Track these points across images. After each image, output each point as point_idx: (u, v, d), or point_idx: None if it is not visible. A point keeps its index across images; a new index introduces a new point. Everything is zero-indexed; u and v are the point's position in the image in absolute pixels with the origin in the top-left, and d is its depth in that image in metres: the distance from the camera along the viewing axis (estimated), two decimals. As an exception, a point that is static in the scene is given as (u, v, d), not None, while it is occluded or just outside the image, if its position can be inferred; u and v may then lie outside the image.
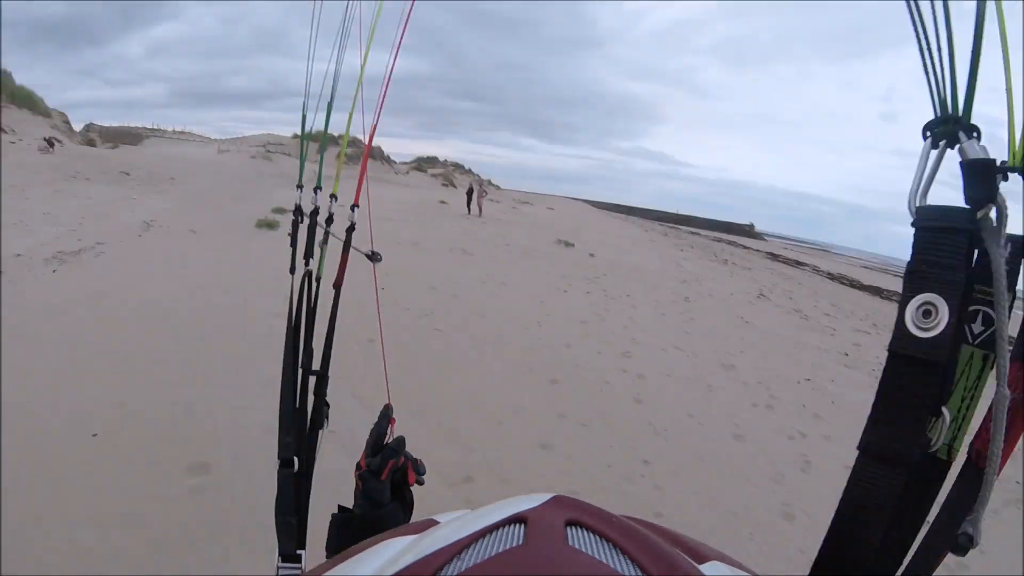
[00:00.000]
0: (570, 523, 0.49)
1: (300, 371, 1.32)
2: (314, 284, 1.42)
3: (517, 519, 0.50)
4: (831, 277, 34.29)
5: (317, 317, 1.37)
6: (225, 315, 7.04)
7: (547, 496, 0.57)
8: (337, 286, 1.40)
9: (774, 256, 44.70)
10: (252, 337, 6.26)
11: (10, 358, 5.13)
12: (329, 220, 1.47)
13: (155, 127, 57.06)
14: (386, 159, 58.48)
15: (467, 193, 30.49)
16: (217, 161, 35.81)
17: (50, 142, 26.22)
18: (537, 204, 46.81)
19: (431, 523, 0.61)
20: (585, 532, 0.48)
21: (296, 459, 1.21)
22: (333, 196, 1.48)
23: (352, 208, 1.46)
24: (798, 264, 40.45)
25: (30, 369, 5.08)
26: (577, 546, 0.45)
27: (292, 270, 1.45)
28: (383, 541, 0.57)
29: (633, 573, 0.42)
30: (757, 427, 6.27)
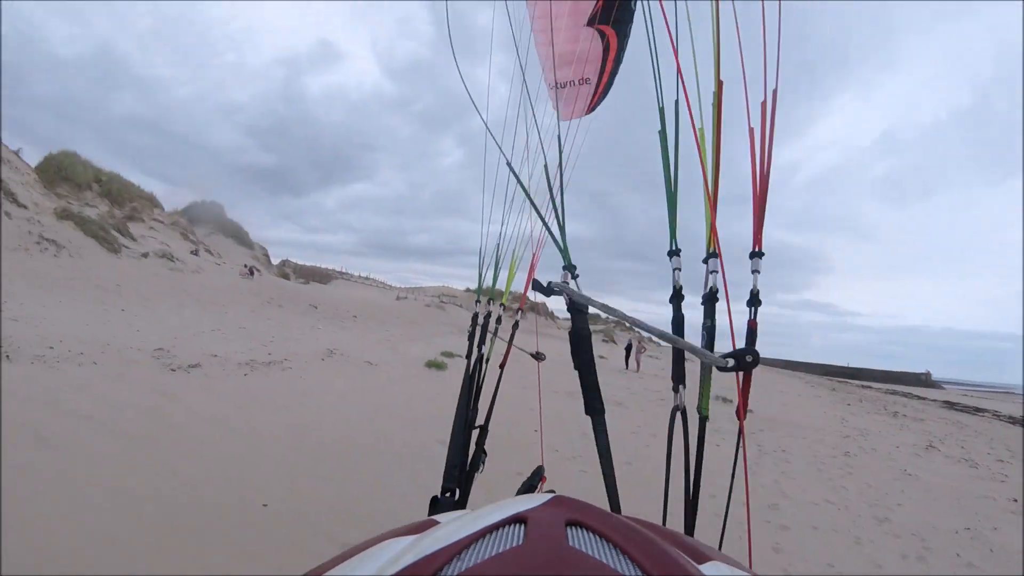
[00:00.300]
0: (570, 523, 0.52)
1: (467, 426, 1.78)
2: (483, 364, 1.96)
3: (517, 519, 0.53)
4: (1012, 421, 30.45)
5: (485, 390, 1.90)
6: (389, 434, 7.77)
7: (547, 496, 0.62)
8: (501, 366, 2.04)
9: (950, 405, 40.20)
10: (408, 457, 6.88)
11: (202, 435, 6.17)
12: (499, 321, 2.12)
13: (343, 270, 63.25)
14: (549, 315, 60.25)
15: (626, 349, 30.80)
16: (396, 306, 38.86)
17: (251, 270, 29.90)
18: (698, 361, 45.26)
19: (431, 523, 0.65)
20: (585, 532, 0.51)
21: (456, 491, 1.65)
22: (502, 305, 2.19)
23: (518, 311, 2.10)
24: (976, 411, 36.11)
25: (217, 444, 6.04)
26: (577, 546, 0.47)
27: (469, 355, 1.98)
28: (384, 541, 0.59)
29: (634, 573, 0.44)
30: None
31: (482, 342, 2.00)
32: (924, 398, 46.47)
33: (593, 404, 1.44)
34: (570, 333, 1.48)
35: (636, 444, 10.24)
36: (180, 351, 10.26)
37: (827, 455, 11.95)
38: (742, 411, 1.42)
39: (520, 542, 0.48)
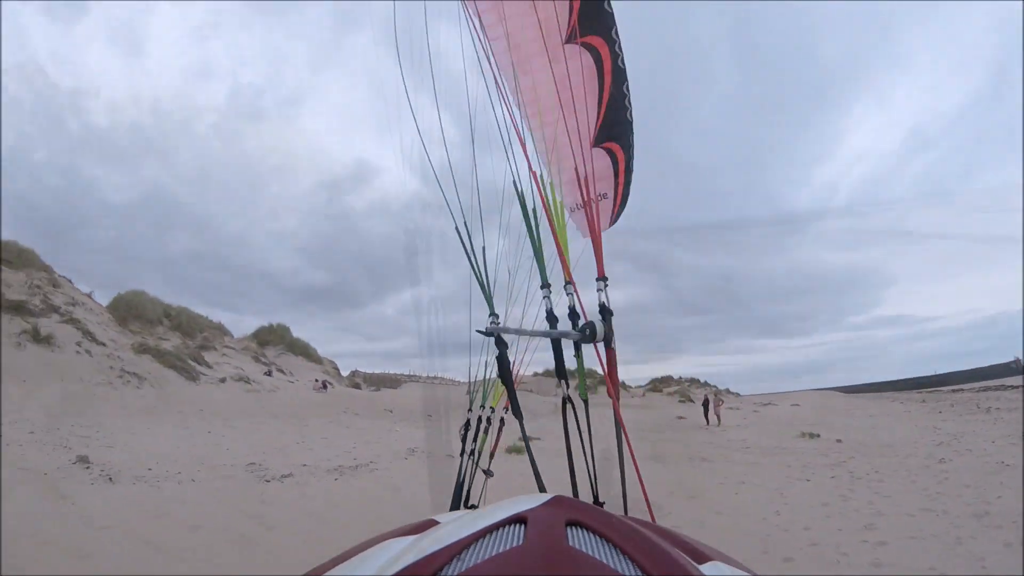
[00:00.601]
0: (570, 523, 0.52)
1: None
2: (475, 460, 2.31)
3: (517, 519, 0.53)
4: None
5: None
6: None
7: (547, 496, 0.61)
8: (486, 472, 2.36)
9: (1044, 386, 37.64)
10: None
11: (304, 532, 6.69)
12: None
13: (411, 373, 63.62)
14: (621, 384, 59.20)
15: (703, 405, 30.03)
16: (467, 400, 38.99)
17: (324, 384, 30.80)
18: (780, 403, 44.40)
19: (431, 523, 0.65)
20: (585, 532, 0.51)
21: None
22: (492, 408, 2.52)
23: (505, 410, 2.45)
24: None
25: (319, 540, 6.53)
26: (577, 546, 0.48)
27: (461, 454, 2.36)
28: (384, 541, 0.60)
29: (634, 573, 0.45)
30: (1009, 564, 5.86)
31: (475, 440, 2.39)
32: (1017, 387, 43.97)
33: (516, 409, 2.18)
34: (497, 358, 2.19)
35: (722, 494, 10.26)
36: (270, 464, 10.80)
37: (920, 467, 11.67)
38: (613, 388, 2.06)
39: (520, 542, 0.48)
